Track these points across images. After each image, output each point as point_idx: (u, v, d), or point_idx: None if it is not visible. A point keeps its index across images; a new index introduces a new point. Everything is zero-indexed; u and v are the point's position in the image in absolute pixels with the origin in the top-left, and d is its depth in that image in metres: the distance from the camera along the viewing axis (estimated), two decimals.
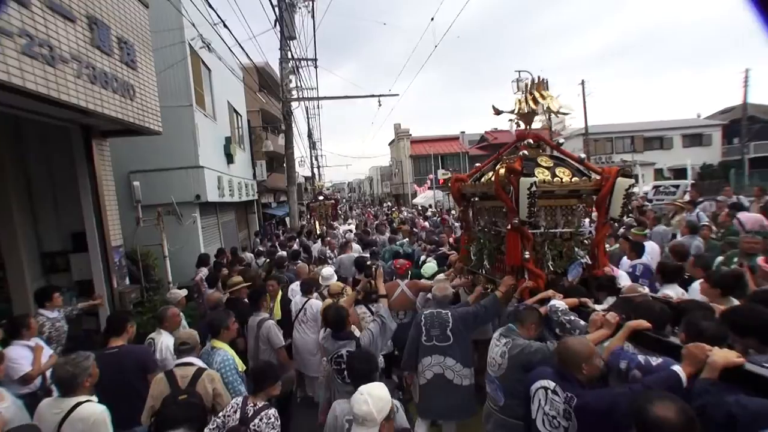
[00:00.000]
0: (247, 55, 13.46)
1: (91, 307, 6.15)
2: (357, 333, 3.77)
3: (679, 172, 22.66)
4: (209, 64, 10.93)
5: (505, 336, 3.15)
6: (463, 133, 46.70)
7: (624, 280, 4.27)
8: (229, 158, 12.09)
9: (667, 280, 4.18)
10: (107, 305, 6.24)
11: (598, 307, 3.32)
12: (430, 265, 5.77)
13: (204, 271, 8.07)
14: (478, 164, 4.96)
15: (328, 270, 6.26)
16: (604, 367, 2.54)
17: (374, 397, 2.31)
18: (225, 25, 7.84)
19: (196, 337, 3.51)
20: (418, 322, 4.00)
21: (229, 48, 11.86)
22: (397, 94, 16.74)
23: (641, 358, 2.45)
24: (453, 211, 17.07)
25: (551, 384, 2.45)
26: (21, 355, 3.87)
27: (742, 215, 7.09)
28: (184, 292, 5.80)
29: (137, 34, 5.96)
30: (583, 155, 4.29)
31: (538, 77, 4.35)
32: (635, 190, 14.18)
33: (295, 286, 6.09)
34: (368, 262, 5.54)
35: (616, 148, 33.30)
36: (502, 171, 3.71)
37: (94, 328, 6.51)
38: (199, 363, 3.33)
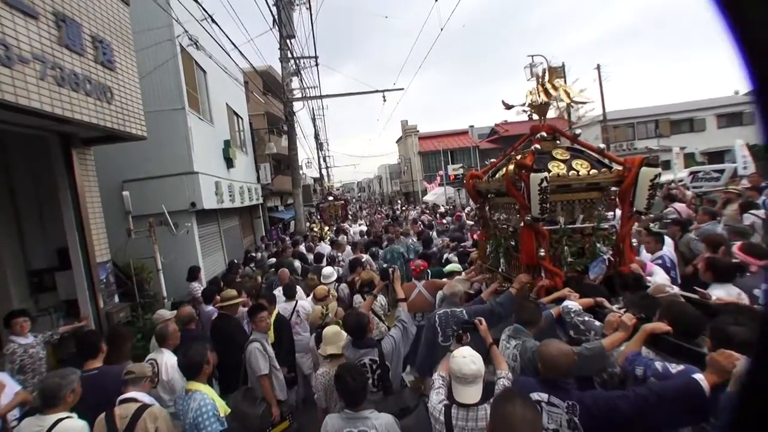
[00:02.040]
0: (246, 59, 13.02)
1: (76, 330, 5.75)
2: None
3: (714, 156, 20.89)
4: (204, 66, 10.47)
5: (514, 337, 3.03)
6: (471, 127, 45.99)
7: (659, 277, 3.97)
8: (229, 162, 11.64)
9: (719, 278, 3.59)
10: (93, 326, 5.79)
11: (615, 307, 3.15)
12: (452, 265, 5.63)
13: (195, 286, 7.63)
14: (493, 160, 4.84)
15: (328, 269, 6.64)
16: (621, 373, 2.48)
17: (476, 356, 2.51)
18: (213, 21, 7.37)
19: (144, 367, 3.17)
20: (432, 324, 3.84)
21: (227, 52, 11.42)
22: (402, 89, 16.12)
23: (659, 364, 2.27)
24: (468, 208, 16.52)
25: (544, 396, 2.29)
26: None
27: None
28: (170, 314, 5.33)
29: (115, 32, 5.48)
30: (602, 145, 4.07)
31: (549, 66, 4.60)
32: (670, 177, 13.54)
33: (278, 292, 6.11)
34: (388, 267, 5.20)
35: (639, 134, 31.20)
36: (511, 167, 3.61)
37: None
38: (145, 398, 2.96)
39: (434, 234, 10.70)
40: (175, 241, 8.19)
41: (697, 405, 1.93)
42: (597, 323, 2.92)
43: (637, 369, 2.35)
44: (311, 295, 5.70)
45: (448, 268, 5.58)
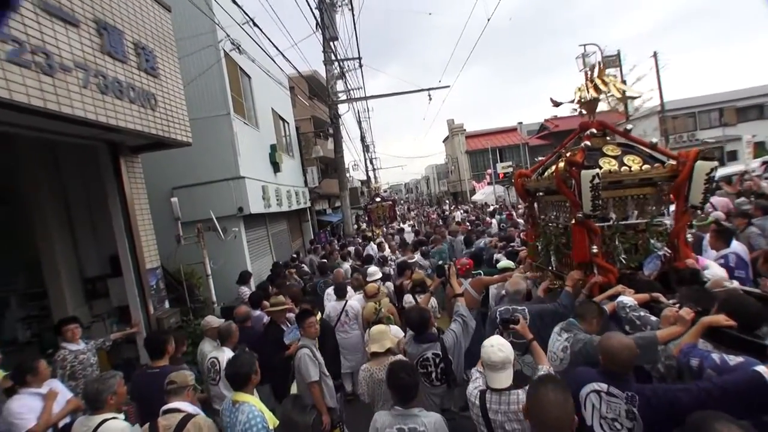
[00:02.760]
0: (291, 63, 13.21)
1: (128, 336, 5.82)
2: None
3: None
4: (249, 72, 10.54)
5: (567, 330, 3.06)
6: (520, 123, 44.90)
7: (715, 270, 3.83)
8: (276, 166, 11.67)
9: None
10: (144, 332, 5.82)
11: (671, 302, 3.12)
12: (505, 262, 5.59)
13: (244, 290, 7.60)
14: (541, 158, 4.87)
15: (372, 268, 6.83)
16: (676, 365, 2.49)
17: (503, 344, 2.63)
18: (255, 24, 7.31)
19: (186, 375, 3.04)
20: (493, 320, 3.86)
21: (271, 57, 11.49)
22: (448, 86, 15.69)
23: (716, 356, 2.28)
24: (519, 206, 15.94)
25: (603, 386, 2.34)
26: (26, 407, 3.43)
27: None
28: (219, 321, 5.26)
29: (158, 38, 5.49)
30: (657, 138, 4.13)
31: (602, 56, 4.52)
32: (740, 168, 12.40)
33: (331, 291, 6.40)
34: (444, 264, 5.32)
35: (701, 124, 28.83)
36: (561, 165, 3.61)
37: (134, 356, 6.15)
38: (189, 408, 2.89)
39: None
40: (223, 246, 8.22)
41: (760, 397, 1.93)
42: (653, 318, 2.91)
43: (692, 360, 2.37)
44: (362, 294, 5.85)
45: (501, 264, 5.54)
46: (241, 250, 9.06)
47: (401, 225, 17.48)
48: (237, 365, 3.06)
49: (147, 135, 5.10)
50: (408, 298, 5.74)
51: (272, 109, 12.65)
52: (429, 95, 15.87)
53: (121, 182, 5.64)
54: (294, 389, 4.40)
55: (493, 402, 2.57)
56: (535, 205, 4.92)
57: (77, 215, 6.93)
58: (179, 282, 7.55)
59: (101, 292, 6.71)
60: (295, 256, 12.51)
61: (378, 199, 17.79)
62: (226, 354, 4.22)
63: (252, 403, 2.93)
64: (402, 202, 57.55)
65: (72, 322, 4.78)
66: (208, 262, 7.49)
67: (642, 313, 2.97)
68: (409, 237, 13.03)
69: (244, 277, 8.10)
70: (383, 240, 11.71)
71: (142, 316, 5.89)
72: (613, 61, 16.52)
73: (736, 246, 4.71)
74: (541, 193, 4.64)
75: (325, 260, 9.76)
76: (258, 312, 6.16)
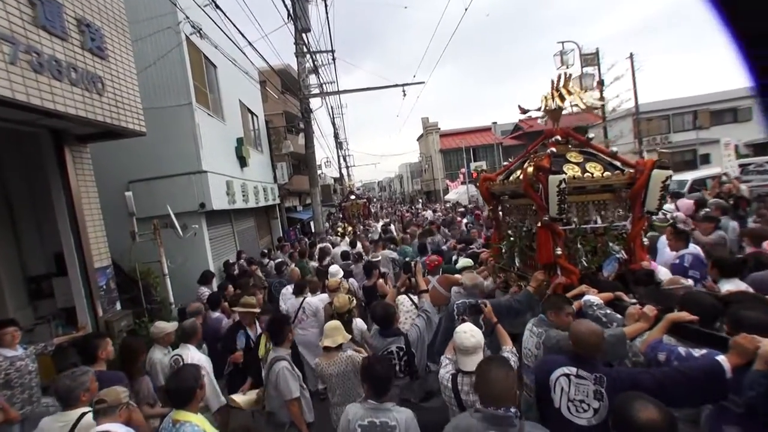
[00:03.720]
0: (262, 57, 12.72)
1: (74, 340, 5.35)
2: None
3: (761, 148, 19.24)
4: (215, 61, 10.03)
5: (538, 326, 3.19)
6: (495, 123, 44.93)
7: (663, 275, 4.06)
8: (242, 161, 11.19)
9: (725, 274, 3.92)
10: None
11: (633, 300, 3.30)
12: (465, 260, 5.58)
13: (205, 291, 7.19)
14: (506, 163, 4.96)
15: (334, 267, 6.75)
16: (644, 360, 2.61)
17: (474, 331, 2.84)
18: (217, 6, 6.87)
19: (118, 393, 2.72)
20: (450, 312, 3.89)
21: (240, 49, 11.05)
22: (423, 82, 15.47)
23: (682, 349, 2.44)
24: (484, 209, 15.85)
25: (572, 369, 2.47)
26: None
27: None
28: (172, 326, 4.85)
29: (106, 16, 5.04)
30: (614, 149, 4.29)
31: (565, 73, 4.33)
32: (715, 171, 12.51)
33: (286, 291, 6.37)
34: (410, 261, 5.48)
35: (675, 127, 29.41)
36: (530, 169, 3.71)
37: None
38: (121, 431, 2.56)
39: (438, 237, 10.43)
40: (183, 244, 7.76)
41: (718, 384, 2.09)
42: (618, 316, 3.04)
43: (659, 355, 2.50)
44: (327, 287, 5.80)
45: (461, 263, 5.48)
46: (202, 248, 8.60)
47: (375, 223, 17.17)
48: (179, 379, 2.71)
49: (93, 122, 4.66)
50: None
51: (240, 101, 12.16)
52: (403, 91, 15.61)
53: (66, 174, 5.17)
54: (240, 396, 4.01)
55: (465, 384, 2.75)
56: (500, 208, 5.03)
57: (19, 209, 6.38)
58: (134, 281, 7.09)
59: (46, 293, 6.18)
60: (266, 252, 12.13)
61: (353, 197, 17.45)
62: (191, 352, 4.08)
63: (195, 422, 2.56)
64: (375, 200, 57.19)
65: (9, 326, 4.28)
66: (165, 260, 7.05)
67: (608, 311, 3.09)
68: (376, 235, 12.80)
69: (206, 277, 7.68)
70: (356, 238, 11.36)
71: (90, 319, 5.43)
72: (591, 59, 16.53)
73: (694, 247, 4.97)
74: (505, 197, 4.78)
75: (284, 261, 9.34)
76: (217, 314, 5.80)
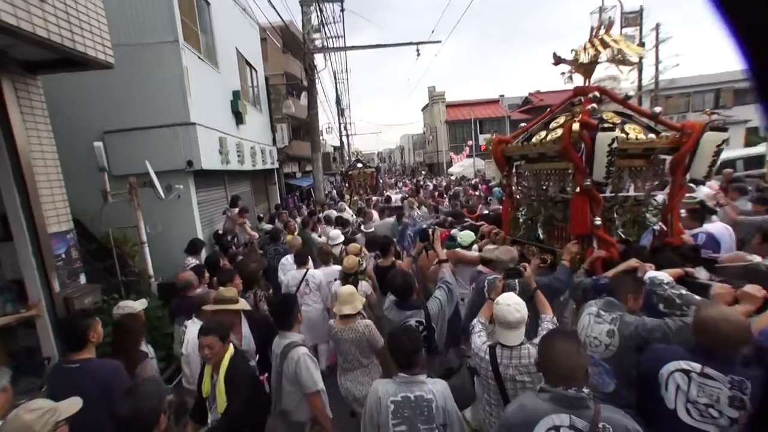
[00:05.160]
0: (261, 11, 11.48)
1: (24, 319, 4.34)
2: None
3: None
4: None
5: (607, 311, 2.74)
6: (502, 96, 43.60)
7: None
8: (239, 117, 9.96)
9: None
10: (45, 316, 4.36)
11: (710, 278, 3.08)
12: (468, 233, 5.23)
13: (191, 261, 6.14)
14: (523, 124, 4.66)
15: (335, 231, 6.78)
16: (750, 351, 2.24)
17: (519, 304, 2.60)
18: None
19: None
20: (480, 289, 3.71)
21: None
22: (439, 41, 14.13)
23: None
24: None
25: (695, 365, 2.10)
26: None
27: None
28: (140, 304, 3.87)
29: None
30: (657, 108, 3.87)
31: (609, 18, 4.03)
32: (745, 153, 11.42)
33: (286, 261, 5.99)
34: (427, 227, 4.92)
35: (694, 105, 27.59)
36: (575, 126, 3.38)
37: (34, 344, 4.65)
38: None
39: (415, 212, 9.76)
40: (166, 208, 6.64)
41: None
42: (696, 297, 2.70)
43: None
44: (345, 252, 5.45)
45: (464, 237, 5.15)
46: (189, 213, 7.46)
47: (388, 194, 16.06)
48: (137, 400, 2.01)
49: (27, 35, 3.46)
50: None
51: (237, 49, 10.80)
52: (417, 50, 14.51)
53: (5, 113, 4.00)
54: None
55: (504, 357, 2.60)
56: (514, 174, 4.78)
57: None
58: (108, 250, 6.03)
59: None
60: (261, 216, 11.19)
61: (359, 165, 16.21)
62: (196, 326, 3.29)
63: None
64: (385, 171, 55.76)
65: None
66: (144, 226, 5.96)
67: (683, 291, 2.77)
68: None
69: (194, 246, 6.56)
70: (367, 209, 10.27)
71: (44, 295, 4.39)
72: (634, 19, 15.03)
73: (710, 226, 4.78)
74: (521, 162, 4.58)
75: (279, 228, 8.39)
76: (200, 290, 4.79)
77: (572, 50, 3.89)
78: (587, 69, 3.83)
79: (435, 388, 2.44)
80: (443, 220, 7.25)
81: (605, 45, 3.65)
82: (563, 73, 4.08)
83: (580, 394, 1.82)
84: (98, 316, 4.86)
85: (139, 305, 3.85)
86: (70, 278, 4.72)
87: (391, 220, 8.42)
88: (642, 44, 15.89)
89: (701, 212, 4.94)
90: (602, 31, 3.75)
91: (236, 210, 8.46)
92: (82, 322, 2.99)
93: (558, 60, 3.99)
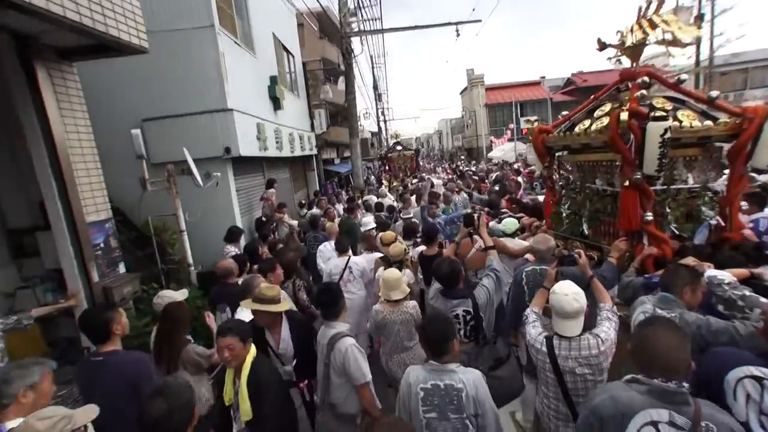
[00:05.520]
0: None
1: (64, 309, 4.33)
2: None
3: None
4: None
5: (664, 308, 2.55)
6: (543, 78, 42.03)
7: None
8: (276, 103, 9.82)
9: None
10: (85, 305, 4.33)
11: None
12: (512, 221, 5.07)
13: (230, 250, 6.06)
14: (565, 112, 4.47)
15: (368, 217, 6.73)
16: None
17: (578, 293, 2.49)
18: None
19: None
20: (518, 281, 3.66)
21: None
22: (480, 20, 13.51)
23: None
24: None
25: (767, 371, 1.89)
26: None
27: None
28: (181, 294, 3.78)
29: None
30: (714, 93, 3.46)
31: None
32: None
33: (324, 248, 5.98)
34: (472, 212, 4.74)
35: (753, 82, 25.36)
36: (623, 116, 3.18)
37: (74, 335, 4.67)
38: None
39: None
40: (204, 195, 6.56)
41: None
42: (764, 299, 2.49)
43: None
44: (378, 240, 5.52)
45: (508, 224, 4.96)
46: (228, 201, 7.39)
47: (430, 178, 15.69)
48: (169, 399, 1.85)
49: (62, 20, 3.33)
50: None
51: (273, 34, 10.64)
52: (457, 30, 13.91)
53: (41, 100, 3.94)
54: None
55: (563, 348, 2.49)
56: (556, 165, 4.59)
57: None
58: (147, 239, 6.02)
59: (30, 250, 5.08)
60: (303, 202, 11.15)
61: (399, 147, 15.89)
62: (245, 313, 3.52)
63: None
64: (424, 156, 55.13)
65: None
66: (183, 214, 5.90)
67: (746, 292, 2.58)
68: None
69: (233, 234, 6.51)
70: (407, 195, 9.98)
71: (83, 284, 4.36)
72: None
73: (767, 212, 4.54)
74: (563, 153, 4.38)
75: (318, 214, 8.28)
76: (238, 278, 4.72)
77: (617, 32, 3.67)
78: (635, 52, 3.60)
79: (466, 378, 2.36)
80: (476, 209, 6.88)
81: (654, 26, 3.40)
82: (609, 59, 3.88)
83: (681, 388, 1.69)
84: (138, 305, 4.94)
85: (179, 295, 3.78)
86: (109, 267, 4.69)
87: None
88: (701, 16, 14.63)
89: (761, 196, 4.70)
90: (651, 11, 3.47)
91: (272, 191, 8.40)
92: (104, 314, 2.89)
93: (603, 45, 3.78)
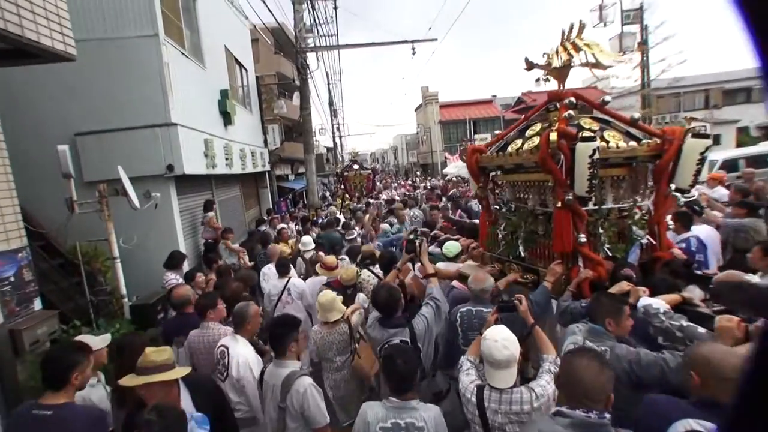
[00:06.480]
0: (253, 9, 10.85)
1: None
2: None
3: None
4: None
5: (594, 341, 2.46)
6: (494, 96, 43.27)
7: None
8: (227, 118, 9.31)
9: None
10: None
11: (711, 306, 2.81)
12: (454, 244, 4.81)
13: (171, 278, 5.53)
14: (498, 132, 4.52)
15: (307, 237, 6.76)
16: None
17: (509, 339, 2.32)
18: None
19: None
20: (452, 322, 3.45)
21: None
22: (435, 39, 13.58)
23: None
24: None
25: (707, 425, 1.64)
26: None
27: None
28: (102, 340, 3.21)
29: None
30: (636, 115, 3.60)
31: (581, 22, 3.54)
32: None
33: (268, 270, 5.87)
34: (413, 237, 4.72)
35: (685, 105, 27.18)
36: (552, 136, 3.13)
37: None
38: None
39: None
40: (143, 217, 5.96)
41: None
42: (701, 329, 2.43)
43: None
44: (317, 264, 5.29)
45: (449, 248, 4.69)
46: (170, 223, 6.79)
47: (386, 197, 15.44)
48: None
49: None
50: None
51: (226, 47, 10.16)
52: (413, 48, 13.91)
53: None
54: None
55: (492, 401, 2.31)
56: (491, 186, 4.50)
57: None
58: (75, 266, 5.38)
59: None
60: (264, 219, 10.63)
61: (356, 166, 15.59)
62: (240, 347, 3.18)
63: None
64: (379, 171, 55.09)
65: None
66: (115, 238, 5.31)
67: (684, 323, 2.50)
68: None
69: (175, 260, 5.93)
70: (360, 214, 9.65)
71: None
72: (636, 14, 14.43)
73: (698, 229, 4.78)
74: (497, 173, 4.35)
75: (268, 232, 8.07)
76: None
77: (544, 53, 3.71)
78: (561, 73, 3.64)
79: (427, 416, 2.29)
80: (414, 230, 6.67)
81: (577, 49, 3.47)
82: (537, 80, 4.16)
83: (602, 419, 1.67)
84: (130, 334, 4.30)
85: (100, 341, 3.19)
86: (21, 305, 4.09)
87: (386, 226, 8.04)
88: (644, 42, 15.36)
89: (688, 216, 4.90)
90: (574, 35, 3.53)
91: (211, 214, 7.87)
92: (70, 356, 2.45)
93: (531, 65, 3.79)
